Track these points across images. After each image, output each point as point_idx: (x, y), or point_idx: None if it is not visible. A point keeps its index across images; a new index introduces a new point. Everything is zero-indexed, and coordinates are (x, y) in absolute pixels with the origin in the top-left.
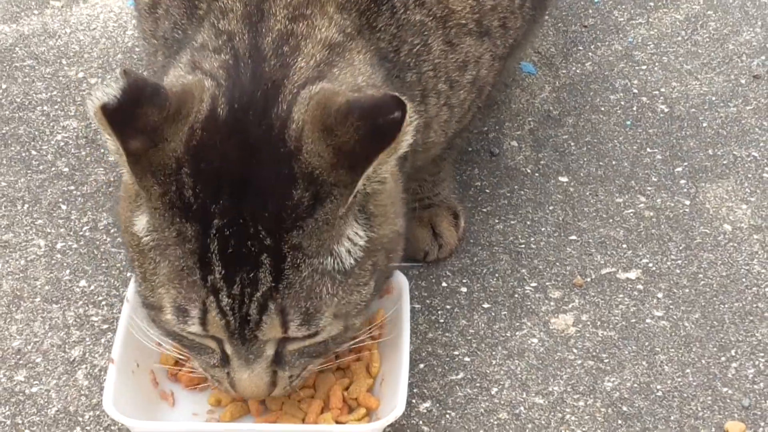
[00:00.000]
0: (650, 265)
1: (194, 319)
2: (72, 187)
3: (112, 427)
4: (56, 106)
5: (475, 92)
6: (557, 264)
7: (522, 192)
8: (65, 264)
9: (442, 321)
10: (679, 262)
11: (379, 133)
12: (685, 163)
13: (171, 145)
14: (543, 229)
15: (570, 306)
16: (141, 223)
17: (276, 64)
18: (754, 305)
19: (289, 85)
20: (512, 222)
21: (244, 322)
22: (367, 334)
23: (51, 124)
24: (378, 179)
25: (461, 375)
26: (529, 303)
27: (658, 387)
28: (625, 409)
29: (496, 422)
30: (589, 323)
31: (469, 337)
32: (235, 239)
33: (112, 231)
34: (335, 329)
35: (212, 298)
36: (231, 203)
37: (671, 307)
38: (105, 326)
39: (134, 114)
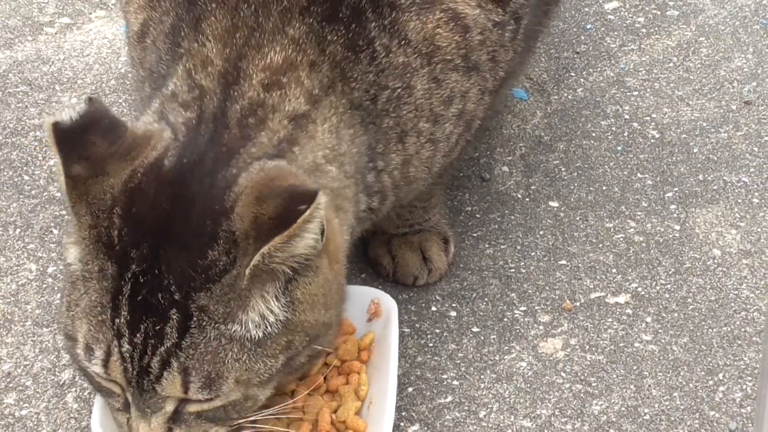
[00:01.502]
0: (639, 289)
1: (98, 359)
2: (64, 212)
3: None
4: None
5: (463, 126)
6: (546, 288)
7: (512, 217)
8: (56, 288)
9: (431, 345)
10: (669, 286)
11: (284, 218)
12: (676, 189)
13: (110, 180)
14: (533, 254)
15: (559, 330)
16: (73, 252)
17: (237, 134)
18: (743, 329)
19: (245, 155)
20: (502, 246)
21: (144, 373)
22: (353, 356)
23: (44, 150)
24: (292, 263)
25: (450, 398)
26: (518, 327)
27: (646, 411)
28: None
29: None
30: (577, 347)
31: (458, 361)
32: (148, 288)
33: None
34: (234, 395)
35: (116, 342)
36: (150, 252)
37: (660, 331)
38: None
39: (84, 140)
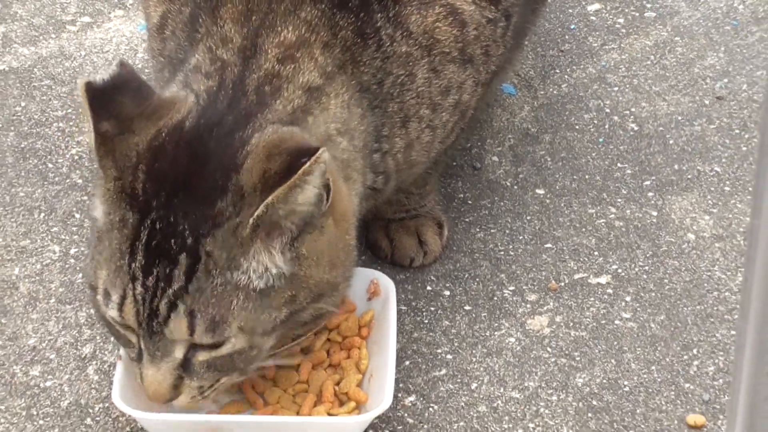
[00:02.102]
0: (619, 271)
1: (114, 303)
2: (85, 197)
3: (120, 419)
4: (71, 123)
5: (458, 115)
6: (533, 270)
7: (502, 203)
8: (78, 268)
9: (426, 322)
10: (646, 268)
11: (287, 171)
12: (653, 177)
13: (136, 138)
14: (521, 238)
15: (545, 308)
16: (99, 207)
17: (254, 100)
18: (715, 308)
19: (261, 119)
20: (492, 231)
21: (153, 315)
22: (354, 332)
23: (66, 140)
24: (297, 218)
25: (444, 371)
26: (507, 305)
27: (626, 383)
28: (594, 403)
29: (475, 415)
30: (562, 324)
31: (452, 337)
32: (162, 234)
33: None
34: (240, 344)
35: (130, 285)
36: (167, 201)
37: (638, 309)
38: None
39: (114, 100)
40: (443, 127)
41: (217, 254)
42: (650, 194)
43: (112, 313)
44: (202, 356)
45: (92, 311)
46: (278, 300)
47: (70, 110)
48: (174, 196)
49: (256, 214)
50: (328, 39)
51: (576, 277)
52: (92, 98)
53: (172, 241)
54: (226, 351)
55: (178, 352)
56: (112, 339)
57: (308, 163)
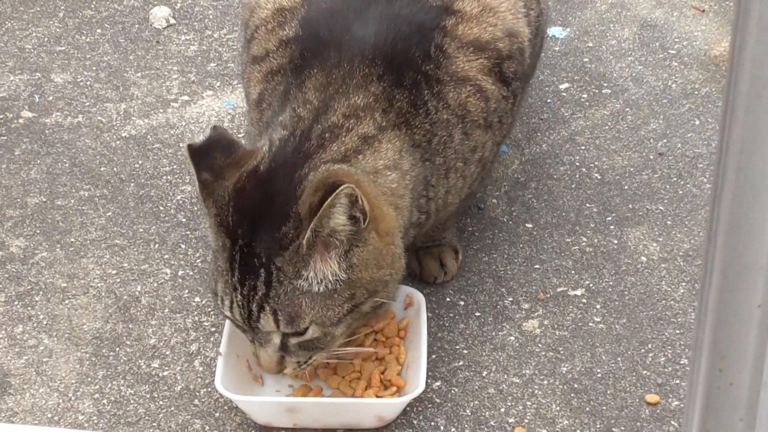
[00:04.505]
0: (591, 285)
1: (227, 306)
2: (188, 232)
3: (220, 400)
4: (176, 176)
5: (481, 167)
6: (526, 284)
7: (500, 235)
8: (185, 285)
9: (447, 325)
10: (611, 283)
11: (321, 203)
12: (613, 214)
13: (226, 183)
14: (515, 260)
15: (536, 314)
16: (211, 235)
17: (315, 144)
18: (664, 313)
19: (317, 159)
20: (494, 255)
21: (250, 315)
22: (395, 335)
23: (173, 189)
24: (342, 236)
25: (461, 362)
26: (507, 312)
27: (598, 370)
28: (575, 386)
29: (486, 395)
30: (549, 326)
31: (466, 336)
32: (248, 255)
33: None
34: (316, 332)
35: (234, 294)
36: (249, 230)
37: (606, 314)
38: (213, 329)
39: (209, 155)
40: (471, 176)
41: (285, 268)
42: (612, 227)
43: (227, 313)
44: (293, 340)
45: (197, 318)
46: (340, 299)
47: (175, 166)
48: (253, 226)
49: (306, 236)
50: (386, 107)
51: (559, 290)
52: (193, 156)
53: (255, 260)
54: (309, 337)
55: (276, 339)
56: (212, 339)
57: (330, 198)
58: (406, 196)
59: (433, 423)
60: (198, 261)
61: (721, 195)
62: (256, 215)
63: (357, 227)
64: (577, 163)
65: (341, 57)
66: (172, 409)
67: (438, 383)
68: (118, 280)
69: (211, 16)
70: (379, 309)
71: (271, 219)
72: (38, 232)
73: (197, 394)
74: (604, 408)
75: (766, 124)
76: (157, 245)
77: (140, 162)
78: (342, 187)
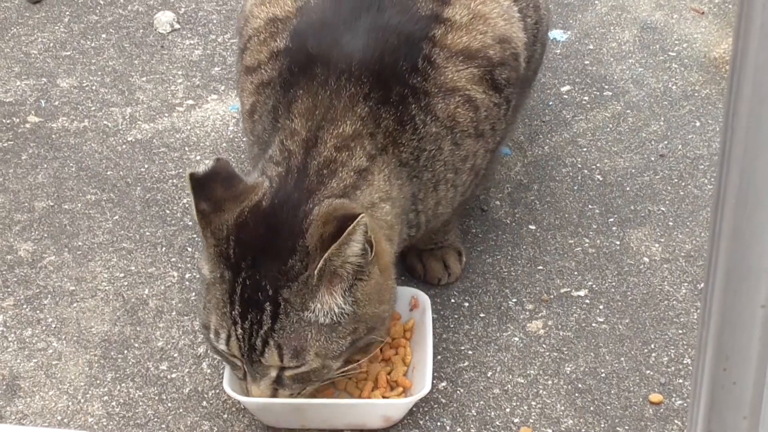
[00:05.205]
0: (594, 286)
1: (222, 340)
2: (194, 236)
3: (228, 402)
4: (182, 179)
5: (473, 175)
6: (530, 286)
7: (504, 236)
8: (192, 288)
9: (452, 326)
10: (614, 284)
11: (337, 232)
12: (615, 216)
13: (226, 216)
14: (519, 262)
15: (540, 315)
16: (205, 266)
17: (315, 181)
18: (666, 313)
19: (319, 194)
20: (498, 257)
21: (252, 349)
22: (400, 335)
23: (179, 192)
24: (350, 268)
25: (466, 363)
26: (511, 313)
27: (602, 370)
28: (579, 386)
29: (491, 396)
30: (553, 327)
31: (471, 337)
32: (251, 288)
33: None
34: (315, 364)
35: (233, 328)
36: (252, 263)
37: (609, 315)
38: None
39: (209, 186)
40: (463, 185)
41: (292, 300)
42: (614, 228)
43: (221, 347)
44: (289, 373)
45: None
46: (344, 332)
47: (180, 170)
48: (257, 259)
49: (318, 266)
50: (373, 129)
51: (562, 291)
52: (195, 185)
53: (259, 293)
54: (306, 369)
55: (272, 373)
56: None
57: (352, 225)
58: (396, 225)
59: (439, 423)
60: None
61: (725, 198)
62: (259, 249)
63: (364, 260)
64: (579, 165)
65: (328, 74)
66: (181, 410)
67: (443, 384)
68: (126, 283)
69: (215, 21)
70: (370, 348)
71: (276, 253)
72: (46, 236)
73: (205, 395)
74: (608, 407)
75: None
76: (164, 248)
77: (146, 166)
78: (361, 216)
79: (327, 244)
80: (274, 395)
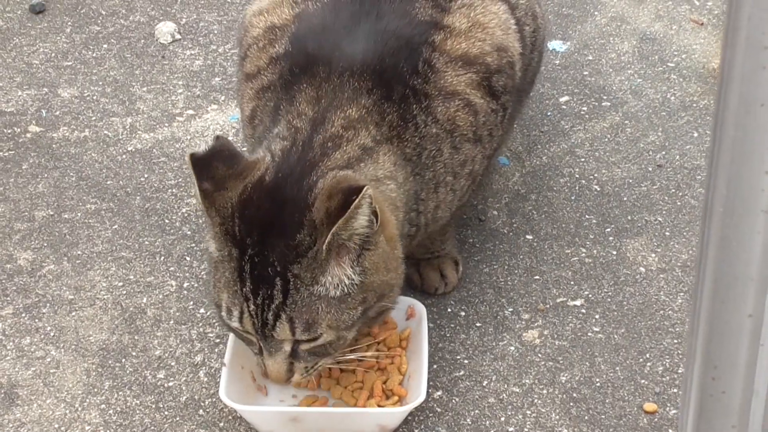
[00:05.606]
0: (590, 295)
1: (235, 317)
2: (193, 245)
3: (224, 410)
4: (181, 189)
5: (471, 180)
6: (526, 295)
7: (501, 246)
8: (190, 297)
9: (448, 335)
10: (610, 293)
11: (343, 206)
12: (612, 225)
13: (229, 193)
14: (516, 271)
15: (536, 324)
16: (212, 244)
17: (318, 153)
18: (662, 323)
19: (323, 166)
20: (495, 267)
21: (265, 324)
22: (396, 344)
23: (178, 202)
24: (358, 239)
25: (462, 372)
26: (507, 322)
27: (597, 380)
28: (574, 395)
29: (486, 405)
30: (549, 336)
31: (467, 346)
32: (260, 265)
33: None
34: (330, 337)
35: (245, 304)
36: (259, 239)
37: (605, 324)
38: (218, 340)
39: (212, 165)
40: (461, 190)
41: (302, 275)
42: (611, 238)
43: (235, 324)
44: (304, 347)
45: (202, 330)
46: (354, 302)
47: (180, 180)
48: (263, 235)
49: (327, 241)
50: (378, 120)
51: (558, 300)
52: (195, 165)
53: (268, 269)
54: (321, 342)
55: (287, 347)
56: (216, 350)
57: (357, 199)
58: (401, 208)
59: None
60: (203, 273)
61: (712, 208)
62: (265, 225)
63: (371, 230)
64: (577, 175)
65: (330, 72)
66: (178, 419)
67: (439, 393)
68: (124, 292)
69: (215, 31)
70: (383, 314)
71: (282, 228)
72: (45, 245)
73: (202, 404)
74: (603, 417)
75: (755, 139)
76: (162, 257)
77: (146, 175)
78: (366, 188)
79: (334, 218)
80: (290, 369)
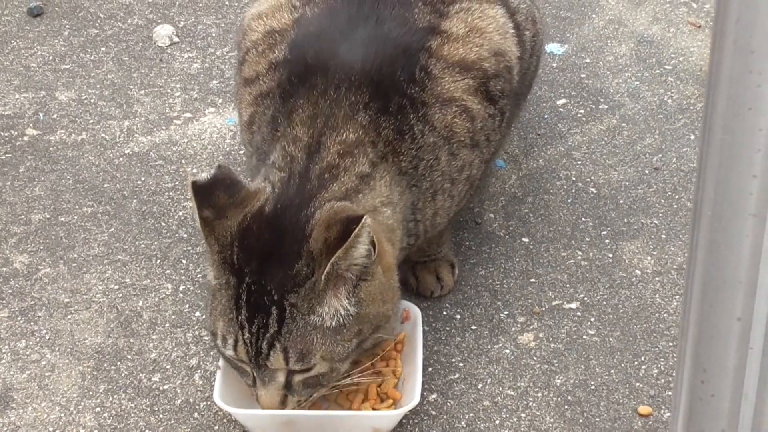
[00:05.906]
0: (585, 298)
1: (230, 345)
2: (189, 248)
3: (219, 414)
4: (178, 192)
5: (469, 185)
6: (522, 298)
7: (497, 249)
8: (186, 300)
9: (443, 338)
10: (605, 296)
11: (343, 236)
12: (608, 228)
13: (229, 222)
14: (512, 274)
15: (531, 327)
16: (211, 272)
17: (316, 185)
18: (657, 326)
19: (320, 198)
20: (491, 270)
21: (259, 353)
22: (391, 349)
23: (175, 205)
24: (356, 270)
25: (457, 375)
26: (502, 325)
27: (592, 383)
28: (569, 398)
29: (481, 408)
30: (544, 339)
31: (462, 349)
32: (256, 293)
33: None
34: (323, 368)
35: (240, 332)
36: (257, 268)
37: (600, 327)
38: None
39: (212, 193)
40: (459, 195)
41: (299, 304)
42: (607, 241)
43: (229, 353)
44: (298, 377)
45: (198, 333)
46: (349, 334)
47: (177, 183)
48: (262, 264)
49: (326, 271)
50: (374, 138)
51: (554, 303)
52: (196, 192)
53: (265, 298)
54: (314, 373)
55: (281, 377)
56: (212, 353)
57: (357, 228)
58: (398, 229)
59: None
60: (199, 276)
61: (701, 211)
62: (264, 254)
63: (369, 260)
64: (574, 178)
65: (327, 83)
66: (172, 422)
67: (434, 396)
68: (120, 295)
69: (213, 34)
70: (378, 346)
71: (281, 258)
72: (42, 248)
73: (197, 407)
74: (598, 420)
75: (742, 142)
76: (158, 261)
77: (143, 179)
78: (365, 217)
79: (333, 248)
80: (282, 401)
